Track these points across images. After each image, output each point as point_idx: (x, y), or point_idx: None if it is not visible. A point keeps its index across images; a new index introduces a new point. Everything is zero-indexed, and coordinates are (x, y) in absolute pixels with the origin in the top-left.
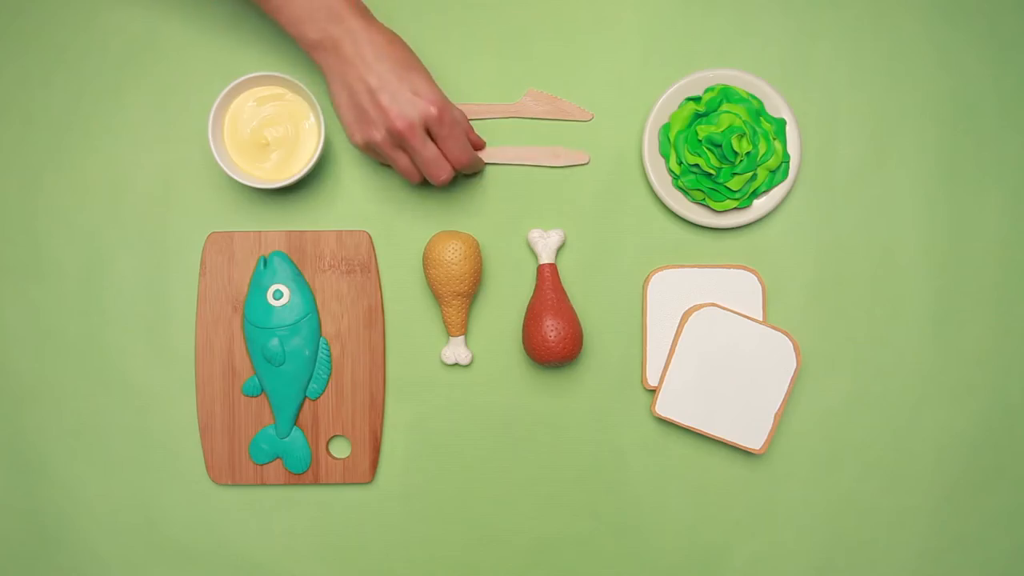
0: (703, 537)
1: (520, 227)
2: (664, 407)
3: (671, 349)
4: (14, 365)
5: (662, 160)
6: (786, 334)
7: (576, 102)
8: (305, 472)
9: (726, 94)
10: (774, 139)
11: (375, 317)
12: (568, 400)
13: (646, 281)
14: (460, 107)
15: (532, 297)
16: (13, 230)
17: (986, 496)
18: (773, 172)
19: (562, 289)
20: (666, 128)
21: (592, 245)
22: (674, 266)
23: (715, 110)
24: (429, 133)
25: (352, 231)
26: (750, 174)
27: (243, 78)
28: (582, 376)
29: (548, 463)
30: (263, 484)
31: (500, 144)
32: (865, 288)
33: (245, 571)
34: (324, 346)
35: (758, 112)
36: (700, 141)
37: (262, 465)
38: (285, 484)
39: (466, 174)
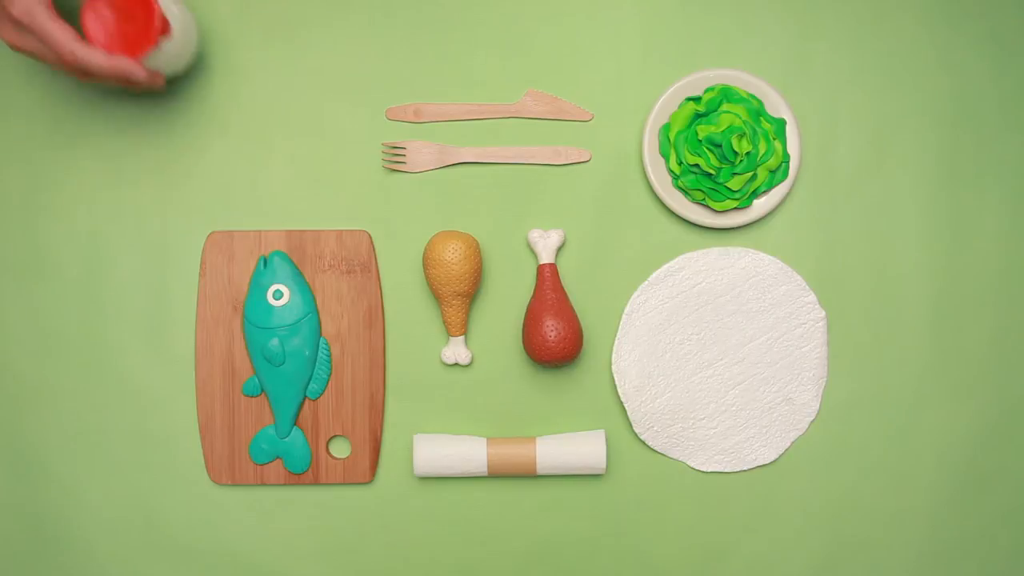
0: (703, 537)
1: (520, 227)
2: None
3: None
4: (14, 365)
5: (662, 160)
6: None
7: (576, 102)
8: (305, 472)
9: (726, 94)
10: (774, 139)
11: (375, 317)
12: (568, 400)
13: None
14: (460, 107)
15: (532, 297)
16: (13, 230)
17: (986, 496)
18: (773, 172)
19: (562, 289)
20: (666, 128)
21: (592, 245)
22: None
23: (715, 110)
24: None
25: (352, 231)
26: (750, 174)
27: None
28: (582, 376)
29: None
30: (263, 484)
31: (500, 144)
32: (865, 288)
33: (245, 571)
34: (324, 346)
35: (758, 112)
36: (700, 141)
37: (262, 465)
38: (285, 484)
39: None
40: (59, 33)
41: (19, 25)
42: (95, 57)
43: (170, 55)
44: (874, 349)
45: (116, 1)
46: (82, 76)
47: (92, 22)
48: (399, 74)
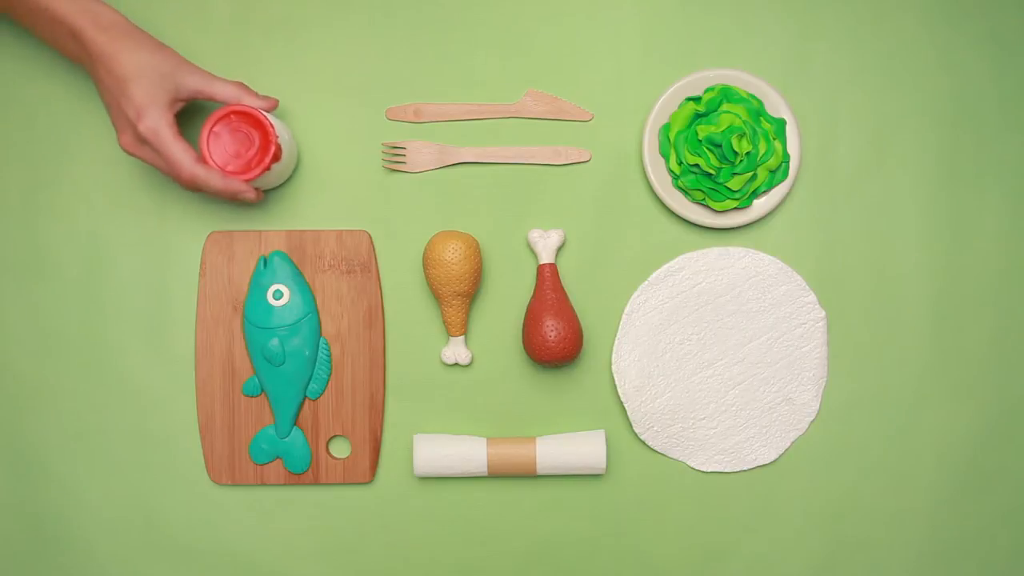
0: (703, 537)
1: (520, 227)
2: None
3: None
4: (14, 365)
5: (662, 160)
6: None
7: (576, 102)
8: (305, 472)
9: (726, 94)
10: (774, 139)
11: (375, 317)
12: (568, 400)
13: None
14: (460, 107)
15: (532, 297)
16: (13, 230)
17: (986, 496)
18: (773, 172)
19: (562, 289)
20: (666, 128)
21: (592, 245)
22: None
23: (715, 110)
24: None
25: (352, 231)
26: (750, 174)
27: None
28: (582, 376)
29: None
30: (263, 484)
31: (500, 144)
32: (865, 288)
33: (245, 571)
34: (324, 346)
35: (758, 112)
36: (700, 141)
37: (262, 465)
38: (285, 484)
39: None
40: (181, 154)
41: (143, 140)
42: (212, 179)
43: (275, 174)
44: (874, 349)
45: (235, 127)
46: (193, 189)
47: (213, 146)
48: (399, 74)
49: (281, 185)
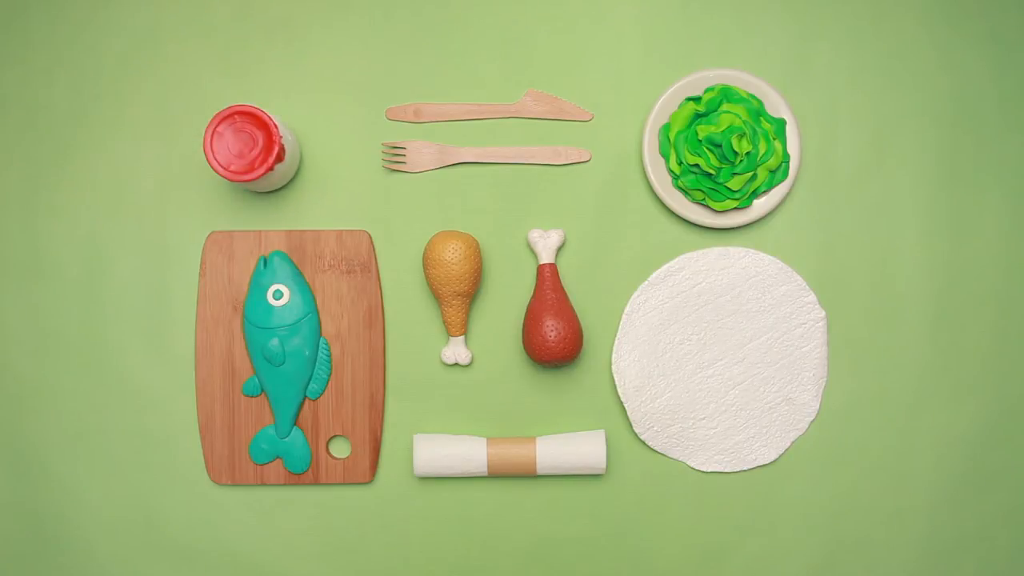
0: (703, 537)
1: (520, 227)
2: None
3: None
4: (14, 365)
5: (662, 160)
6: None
7: (576, 102)
8: (305, 472)
9: (726, 94)
10: (774, 139)
11: (375, 317)
12: (568, 400)
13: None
14: (460, 107)
15: (532, 297)
16: (13, 230)
17: (986, 496)
18: (773, 172)
19: (562, 289)
20: (666, 128)
21: (592, 245)
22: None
23: (715, 110)
24: None
25: (352, 231)
26: (750, 174)
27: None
28: (582, 376)
29: None
30: (263, 484)
31: (500, 144)
32: (865, 288)
33: (245, 571)
34: (324, 346)
35: (758, 112)
36: (700, 141)
37: (262, 465)
38: (285, 484)
39: None
40: None
41: None
42: None
43: (279, 175)
44: (874, 349)
45: (239, 127)
46: None
47: (216, 145)
48: (399, 74)
49: (282, 186)
